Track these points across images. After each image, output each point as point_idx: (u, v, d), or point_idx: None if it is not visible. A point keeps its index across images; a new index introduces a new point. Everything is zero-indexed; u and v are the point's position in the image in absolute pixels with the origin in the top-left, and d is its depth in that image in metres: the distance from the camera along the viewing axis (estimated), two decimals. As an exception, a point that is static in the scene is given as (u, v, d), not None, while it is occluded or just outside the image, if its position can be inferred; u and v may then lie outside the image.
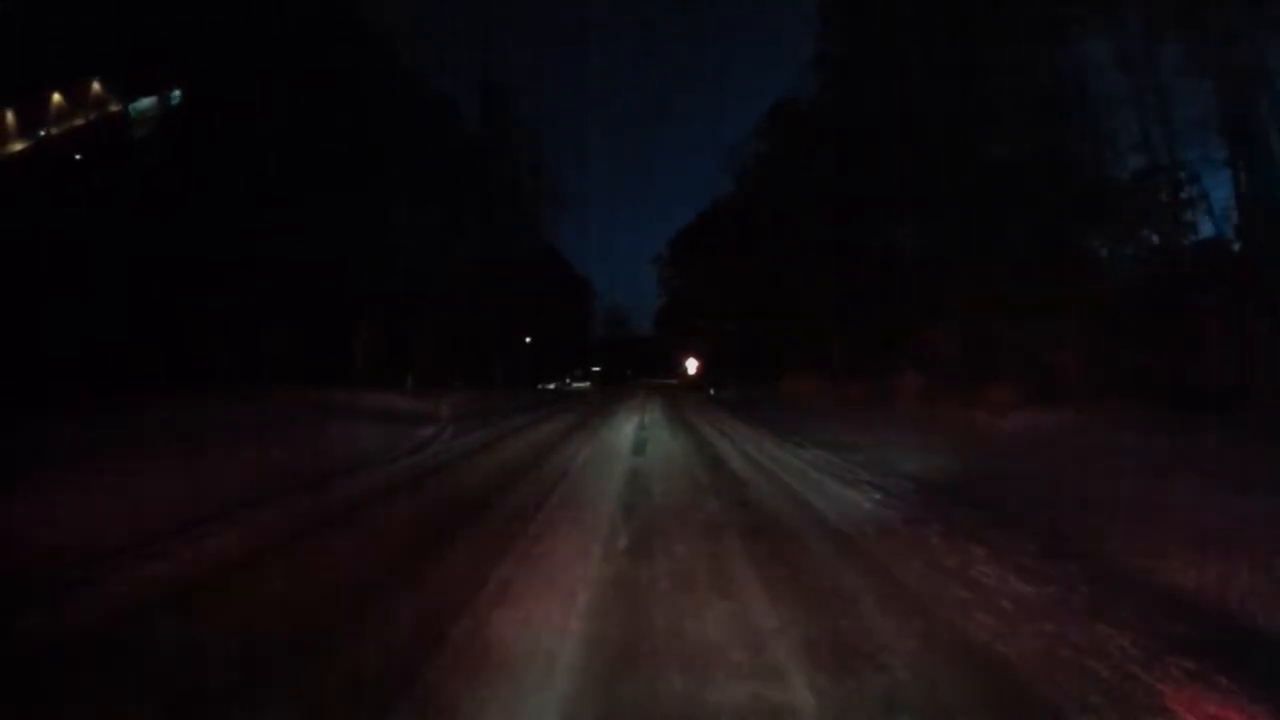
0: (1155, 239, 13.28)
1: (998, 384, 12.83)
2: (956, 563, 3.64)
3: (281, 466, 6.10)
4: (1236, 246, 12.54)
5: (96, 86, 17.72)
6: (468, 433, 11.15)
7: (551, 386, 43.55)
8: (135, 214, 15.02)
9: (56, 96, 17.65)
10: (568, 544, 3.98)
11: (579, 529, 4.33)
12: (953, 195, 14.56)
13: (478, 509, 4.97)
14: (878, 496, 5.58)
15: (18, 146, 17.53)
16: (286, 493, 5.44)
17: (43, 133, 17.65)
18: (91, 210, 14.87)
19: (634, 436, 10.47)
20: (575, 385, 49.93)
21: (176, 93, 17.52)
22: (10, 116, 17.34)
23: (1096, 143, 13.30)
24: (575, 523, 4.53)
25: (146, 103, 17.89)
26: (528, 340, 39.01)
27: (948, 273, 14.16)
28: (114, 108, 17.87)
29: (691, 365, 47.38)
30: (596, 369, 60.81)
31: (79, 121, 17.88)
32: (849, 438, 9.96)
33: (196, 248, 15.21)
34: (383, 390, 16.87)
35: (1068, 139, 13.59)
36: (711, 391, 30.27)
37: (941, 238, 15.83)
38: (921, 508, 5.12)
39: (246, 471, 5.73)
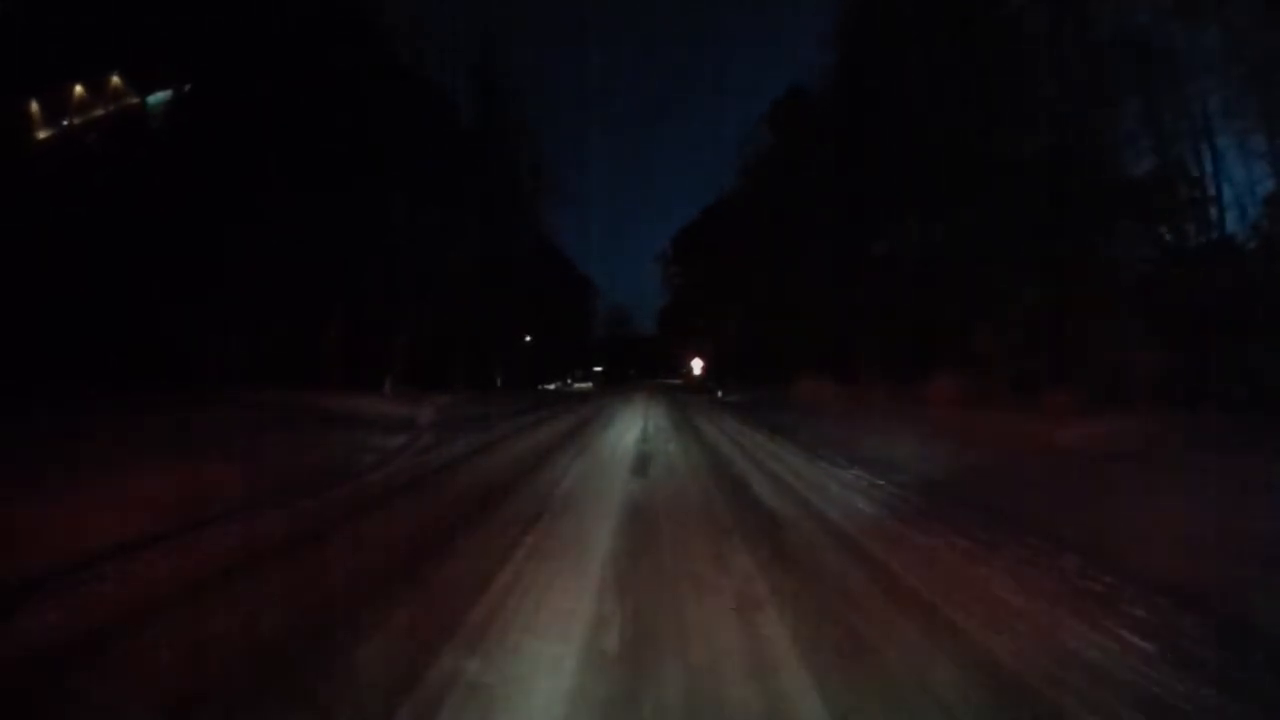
0: (1169, 236, 12.82)
1: (1052, 387, 11.37)
2: (1082, 643, 2.20)
3: (169, 501, 4.65)
4: (1253, 244, 12.08)
5: (91, 86, 17.16)
6: (442, 444, 9.70)
7: (552, 387, 42.30)
8: (121, 213, 14.60)
9: (55, 96, 16.93)
10: (529, 650, 2.52)
11: (551, 614, 2.87)
12: (953, 193, 13.75)
13: (415, 567, 3.52)
14: (965, 544, 4.11)
15: (41, 135, 16.89)
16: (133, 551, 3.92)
17: (55, 128, 17.11)
18: (74, 209, 14.44)
19: (635, 450, 8.98)
20: (576, 386, 48.70)
21: (187, 88, 17.40)
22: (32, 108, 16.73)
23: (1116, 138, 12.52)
24: (547, 592, 3.09)
25: (160, 97, 17.61)
26: (528, 340, 38.09)
27: (990, 267, 12.77)
28: (124, 103, 17.47)
29: (696, 366, 45.82)
30: (598, 369, 59.68)
31: (83, 119, 17.34)
32: (887, 452, 8.48)
33: (172, 249, 14.70)
34: (361, 393, 15.58)
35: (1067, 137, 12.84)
36: (719, 394, 28.72)
37: (970, 230, 14.60)
38: (1009, 555, 3.72)
39: (83, 517, 4.21)
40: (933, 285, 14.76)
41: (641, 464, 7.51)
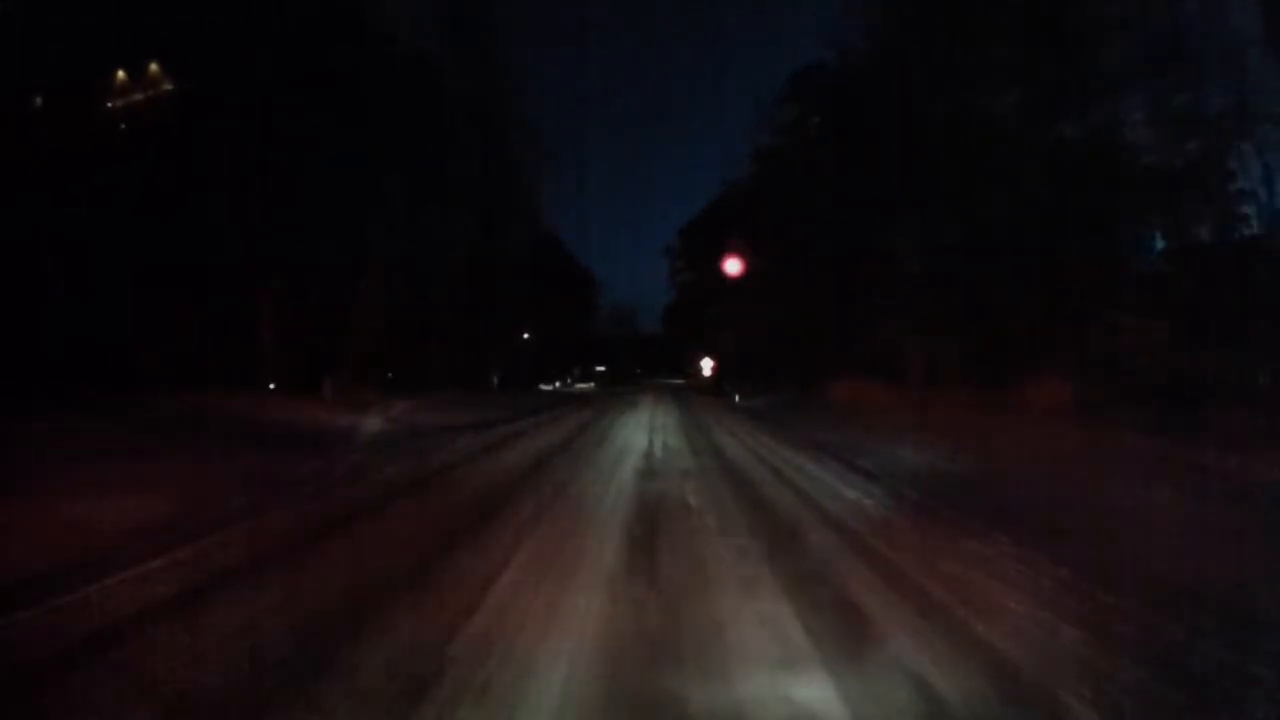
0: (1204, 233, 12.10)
1: (1204, 401, 8.41)
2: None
3: None
4: None
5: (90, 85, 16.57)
6: (372, 471, 6.87)
7: (552, 387, 39.68)
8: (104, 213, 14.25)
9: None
10: None
11: None
12: None
13: None
14: None
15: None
16: None
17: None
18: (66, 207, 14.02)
19: (636, 492, 5.99)
20: (578, 386, 46.06)
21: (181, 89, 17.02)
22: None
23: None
24: None
25: (162, 94, 17.21)
26: (526, 337, 35.82)
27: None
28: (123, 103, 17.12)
29: (706, 365, 42.73)
30: (601, 368, 57.18)
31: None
32: (1019, 501, 5.54)
33: (114, 243, 14.35)
34: (302, 398, 12.97)
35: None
36: (737, 398, 25.61)
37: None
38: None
39: None
40: (1017, 271, 11.88)
41: (645, 529, 4.53)
